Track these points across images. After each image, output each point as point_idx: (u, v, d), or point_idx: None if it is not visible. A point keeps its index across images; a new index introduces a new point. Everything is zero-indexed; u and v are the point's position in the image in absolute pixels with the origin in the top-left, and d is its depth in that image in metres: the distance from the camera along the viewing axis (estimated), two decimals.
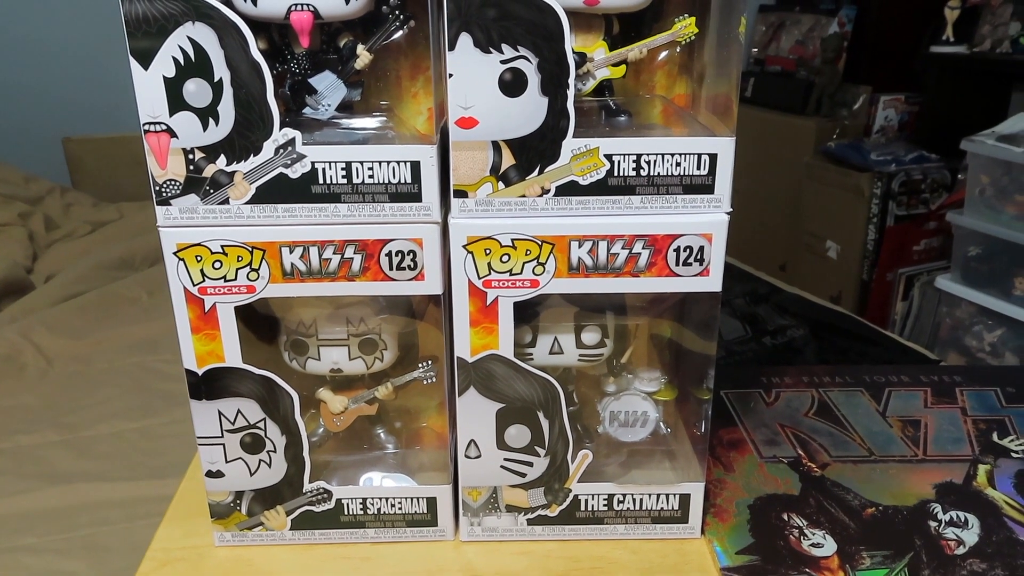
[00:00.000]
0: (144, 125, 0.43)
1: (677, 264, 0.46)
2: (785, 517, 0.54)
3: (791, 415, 0.66)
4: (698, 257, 0.46)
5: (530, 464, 0.51)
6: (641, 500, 0.53)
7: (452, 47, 0.42)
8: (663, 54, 0.50)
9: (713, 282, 0.47)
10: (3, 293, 1.68)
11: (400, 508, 0.53)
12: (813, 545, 0.52)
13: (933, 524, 0.53)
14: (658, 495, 0.53)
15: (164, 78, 0.42)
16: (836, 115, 2.79)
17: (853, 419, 0.66)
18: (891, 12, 2.74)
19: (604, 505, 0.53)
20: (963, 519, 0.54)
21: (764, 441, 0.63)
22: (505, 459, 0.51)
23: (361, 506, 0.52)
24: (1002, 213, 1.92)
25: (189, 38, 0.41)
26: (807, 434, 0.64)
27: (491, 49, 0.42)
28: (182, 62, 0.41)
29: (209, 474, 0.51)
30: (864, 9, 2.78)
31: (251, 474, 0.51)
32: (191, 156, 0.43)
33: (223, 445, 0.50)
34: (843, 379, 0.72)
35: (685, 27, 0.47)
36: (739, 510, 0.55)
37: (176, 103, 0.42)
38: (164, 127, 0.43)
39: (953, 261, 2.12)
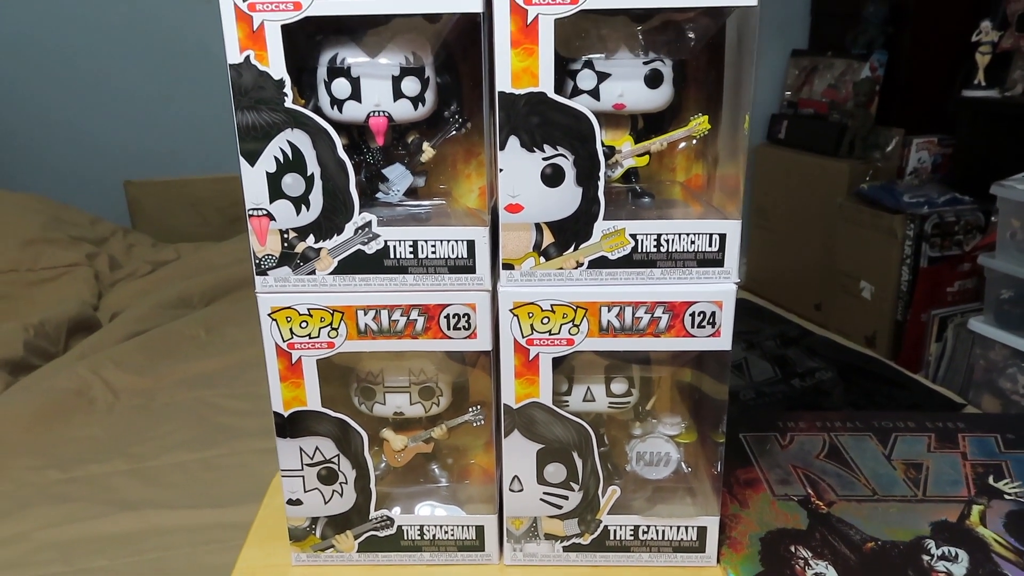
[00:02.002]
0: (249, 210, 0.52)
1: (692, 327, 0.54)
2: (792, 549, 0.61)
3: (803, 457, 0.73)
4: (711, 321, 0.54)
5: (566, 497, 0.59)
6: (664, 531, 0.60)
7: (503, 147, 0.50)
8: (682, 144, 0.59)
9: (724, 342, 0.54)
10: (73, 330, 1.79)
11: (452, 535, 0.60)
12: (816, 574, 0.58)
13: (926, 558, 0.60)
14: (679, 527, 0.60)
15: (266, 173, 0.51)
16: (869, 157, 2.84)
17: (860, 461, 0.72)
18: (922, 57, 2.79)
19: (631, 535, 0.60)
20: (954, 554, 0.60)
21: (777, 481, 0.69)
22: (544, 493, 0.59)
23: (418, 532, 0.60)
24: None
25: (288, 141, 0.50)
26: (817, 475, 0.70)
27: (535, 148, 0.50)
28: (281, 160, 0.51)
29: (290, 502, 0.59)
30: (895, 54, 2.83)
31: (325, 502, 0.59)
32: (286, 236, 0.52)
33: (303, 477, 0.58)
34: (853, 424, 0.78)
35: (699, 124, 0.55)
36: (751, 542, 0.62)
37: (275, 193, 0.51)
38: (265, 212, 0.52)
39: (986, 303, 2.14)
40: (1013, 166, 2.06)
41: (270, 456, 1.35)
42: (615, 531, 0.60)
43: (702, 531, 0.60)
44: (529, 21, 0.47)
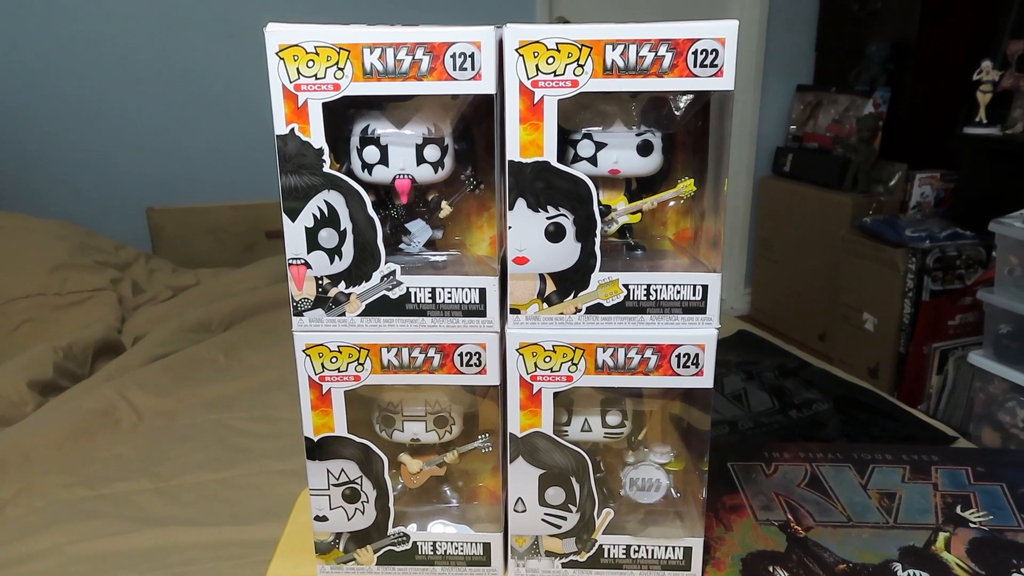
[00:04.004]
0: (289, 259, 0.59)
1: (678, 367, 0.60)
2: (771, 569, 0.67)
3: (785, 485, 0.79)
4: (694, 361, 0.60)
5: (564, 518, 0.65)
6: (653, 550, 0.66)
7: (511, 208, 0.58)
8: (671, 203, 0.66)
9: (706, 380, 0.61)
10: (99, 353, 1.86)
11: (461, 550, 0.67)
12: None
13: None
14: (667, 547, 0.66)
15: (305, 228, 0.58)
16: (872, 191, 2.90)
17: (838, 490, 0.78)
18: (924, 94, 2.86)
19: (623, 553, 0.66)
20: None
21: (760, 507, 0.75)
22: (545, 514, 0.65)
23: (431, 548, 0.67)
24: None
25: (325, 201, 0.58)
26: (797, 502, 0.76)
27: (539, 209, 0.58)
28: (319, 217, 0.58)
29: (317, 518, 0.66)
30: (898, 90, 2.90)
31: (348, 519, 0.66)
32: (320, 282, 0.59)
33: (328, 496, 0.65)
34: (834, 455, 0.84)
35: (686, 187, 0.62)
36: (733, 562, 0.68)
37: (312, 245, 0.59)
38: (303, 261, 0.59)
39: (985, 337, 2.18)
40: (1014, 202, 2.12)
41: (286, 477, 1.42)
42: (609, 550, 0.66)
43: (688, 551, 0.66)
44: (536, 101, 0.55)
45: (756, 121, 3.32)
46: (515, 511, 0.65)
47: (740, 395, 1.62)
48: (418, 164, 0.60)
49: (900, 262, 2.56)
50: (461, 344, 0.61)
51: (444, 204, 0.62)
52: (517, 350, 0.60)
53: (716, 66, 0.54)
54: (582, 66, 0.54)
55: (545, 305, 0.60)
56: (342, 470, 0.64)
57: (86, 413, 1.57)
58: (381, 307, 0.60)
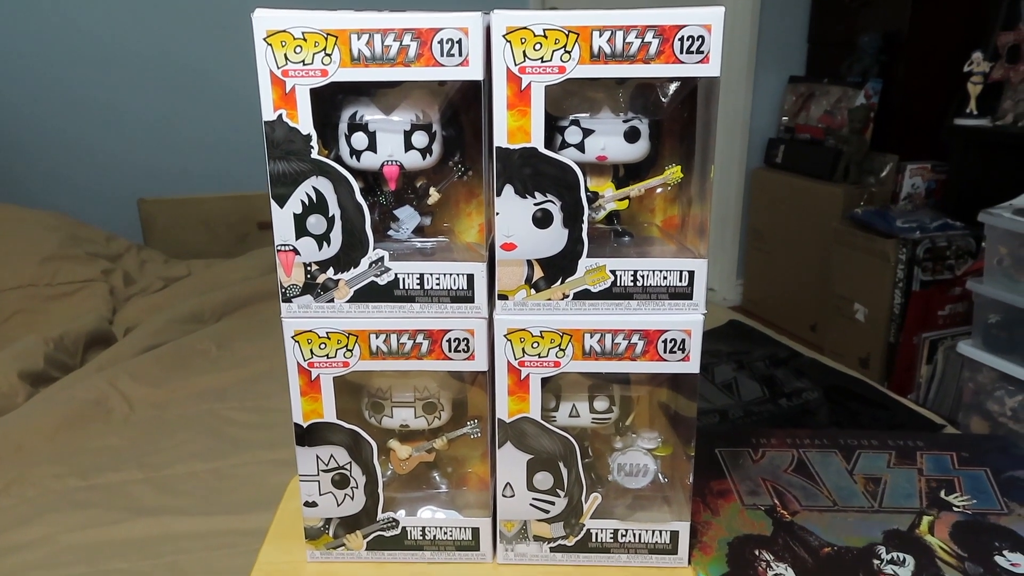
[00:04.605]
0: (278, 246, 0.59)
1: (665, 352, 0.61)
2: (756, 552, 0.68)
3: (772, 470, 0.79)
4: (681, 347, 0.61)
5: (552, 503, 0.66)
6: (640, 535, 0.67)
7: (499, 194, 0.58)
8: (658, 190, 0.66)
9: (693, 366, 0.61)
10: (90, 344, 1.86)
11: (450, 535, 0.67)
12: (776, 575, 0.65)
13: (876, 562, 0.66)
14: (654, 531, 0.67)
15: (294, 214, 0.58)
16: (863, 182, 2.91)
17: (824, 475, 0.79)
18: (916, 85, 2.87)
19: (611, 538, 0.67)
20: (902, 559, 0.67)
21: (747, 492, 0.76)
22: (533, 499, 0.66)
23: (420, 533, 0.67)
24: (1020, 283, 2.00)
25: (313, 187, 0.58)
26: (784, 487, 0.77)
27: (527, 195, 0.58)
28: (307, 203, 0.58)
29: (306, 504, 0.66)
30: (889, 82, 2.91)
31: (338, 505, 0.66)
32: (309, 268, 0.60)
33: (318, 482, 0.65)
34: (821, 441, 0.85)
35: (673, 174, 0.62)
36: (720, 546, 0.68)
37: (301, 231, 0.59)
38: (291, 247, 0.59)
39: (974, 327, 2.19)
40: (1003, 193, 2.12)
41: (278, 467, 1.42)
42: (597, 534, 0.67)
43: (675, 535, 0.66)
44: (523, 87, 0.55)
45: (748, 112, 3.32)
46: (503, 496, 0.65)
47: (731, 384, 1.62)
48: (406, 151, 0.60)
49: (891, 253, 2.57)
50: (449, 330, 0.61)
51: (432, 191, 0.63)
52: (505, 336, 0.61)
53: (702, 52, 0.54)
54: (569, 52, 0.54)
55: (533, 291, 0.60)
56: (331, 456, 0.65)
57: (78, 404, 1.57)
58: (369, 293, 0.60)
